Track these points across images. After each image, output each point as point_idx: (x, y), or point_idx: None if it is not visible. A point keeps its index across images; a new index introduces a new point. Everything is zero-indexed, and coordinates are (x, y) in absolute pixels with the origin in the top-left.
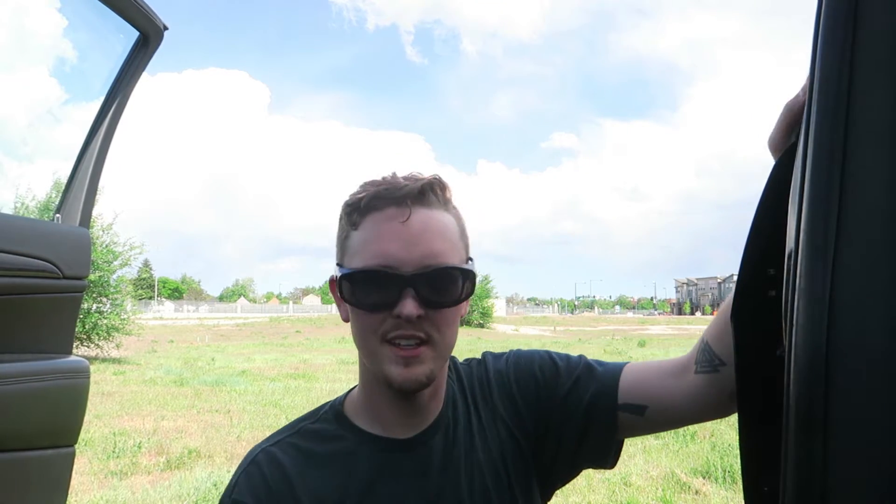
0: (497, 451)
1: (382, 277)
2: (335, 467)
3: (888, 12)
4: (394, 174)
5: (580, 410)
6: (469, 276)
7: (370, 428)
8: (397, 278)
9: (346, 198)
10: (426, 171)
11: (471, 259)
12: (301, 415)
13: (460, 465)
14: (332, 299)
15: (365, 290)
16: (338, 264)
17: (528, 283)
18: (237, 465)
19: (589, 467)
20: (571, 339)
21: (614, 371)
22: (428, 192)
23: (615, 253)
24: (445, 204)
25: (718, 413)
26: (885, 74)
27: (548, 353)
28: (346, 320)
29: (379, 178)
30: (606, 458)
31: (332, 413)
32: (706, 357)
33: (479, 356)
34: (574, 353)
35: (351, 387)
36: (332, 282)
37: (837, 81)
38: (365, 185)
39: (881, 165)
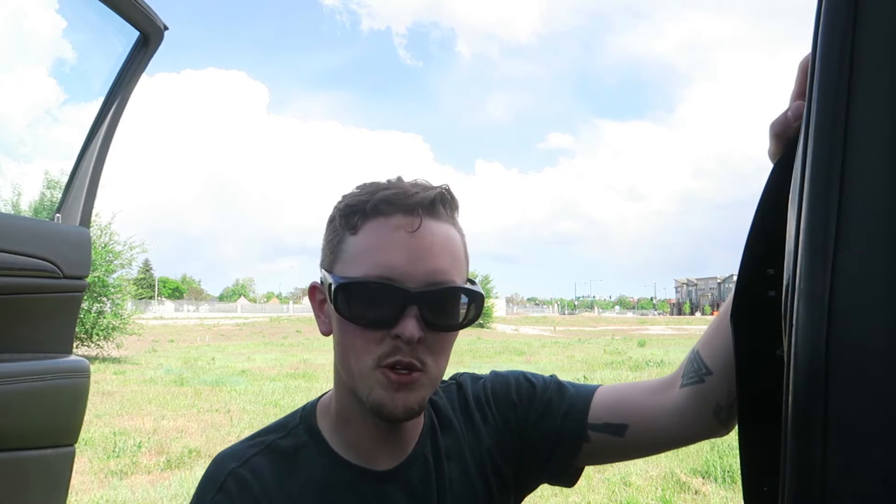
0: (480, 478)
1: (385, 291)
2: (308, 499)
3: (888, 12)
4: (399, 178)
5: (551, 433)
6: (476, 298)
7: (345, 453)
8: (402, 294)
9: (343, 198)
10: (427, 170)
11: (472, 281)
12: (267, 425)
13: (443, 496)
14: None
15: (364, 304)
16: (326, 270)
17: (527, 283)
18: (200, 485)
19: (549, 483)
20: (571, 338)
21: (586, 392)
22: (438, 204)
23: (614, 253)
24: (453, 219)
25: (705, 432)
26: (885, 74)
27: (524, 374)
28: (326, 334)
29: (383, 181)
30: (562, 478)
31: (305, 427)
32: (693, 367)
33: (454, 378)
34: (575, 353)
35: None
36: (315, 288)
37: (837, 81)
38: (366, 187)
39: (881, 165)
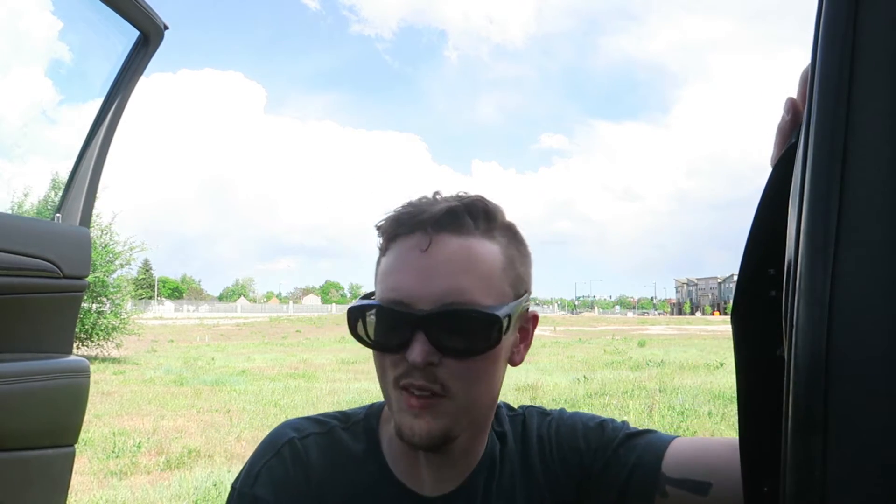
0: None
1: (392, 316)
2: (347, 498)
3: (888, 12)
4: (435, 194)
5: (616, 486)
6: (498, 320)
7: (394, 466)
8: (407, 317)
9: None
10: (425, 170)
11: (524, 295)
12: (329, 411)
13: None
14: (332, 299)
15: (376, 329)
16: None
17: None
18: (260, 446)
19: None
20: (571, 338)
21: (659, 443)
22: (461, 216)
23: (613, 253)
24: (488, 231)
25: None
26: (886, 74)
27: (593, 418)
28: None
29: (420, 197)
30: None
31: (365, 426)
32: None
33: (521, 409)
34: (576, 353)
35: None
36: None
37: (837, 81)
38: (401, 206)
39: (881, 165)
